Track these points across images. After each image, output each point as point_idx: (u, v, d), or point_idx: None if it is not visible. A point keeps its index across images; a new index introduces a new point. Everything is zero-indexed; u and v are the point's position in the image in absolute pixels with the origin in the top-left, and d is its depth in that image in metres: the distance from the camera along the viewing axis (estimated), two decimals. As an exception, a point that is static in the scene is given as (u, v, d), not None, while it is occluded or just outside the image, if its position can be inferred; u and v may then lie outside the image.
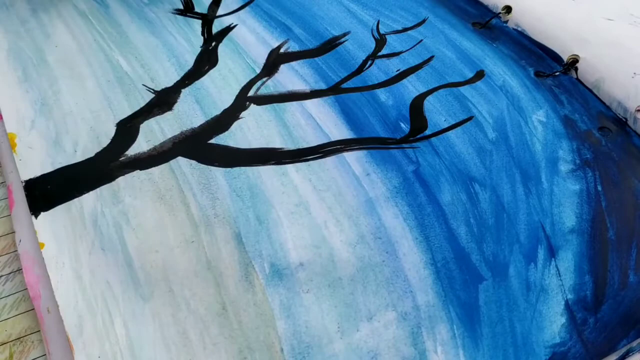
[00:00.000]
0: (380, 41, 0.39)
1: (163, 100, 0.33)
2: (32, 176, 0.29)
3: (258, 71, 0.36)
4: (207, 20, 0.40)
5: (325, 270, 0.26)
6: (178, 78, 0.35)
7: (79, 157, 0.30)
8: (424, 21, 0.41)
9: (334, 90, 0.35)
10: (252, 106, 0.33)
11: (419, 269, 0.27)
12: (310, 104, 0.34)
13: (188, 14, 0.40)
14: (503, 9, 0.41)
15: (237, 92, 0.34)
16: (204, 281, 0.26)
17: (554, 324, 0.26)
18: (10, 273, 0.27)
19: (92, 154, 0.30)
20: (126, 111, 0.33)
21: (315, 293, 0.26)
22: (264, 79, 0.35)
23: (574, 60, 0.37)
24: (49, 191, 0.29)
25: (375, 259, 0.27)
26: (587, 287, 0.27)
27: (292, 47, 0.38)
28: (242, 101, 0.34)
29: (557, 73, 0.37)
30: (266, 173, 0.30)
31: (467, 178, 0.30)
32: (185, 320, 0.24)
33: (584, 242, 0.29)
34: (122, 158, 0.30)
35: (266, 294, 0.25)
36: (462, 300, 0.26)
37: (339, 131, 0.32)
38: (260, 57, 0.37)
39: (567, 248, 0.28)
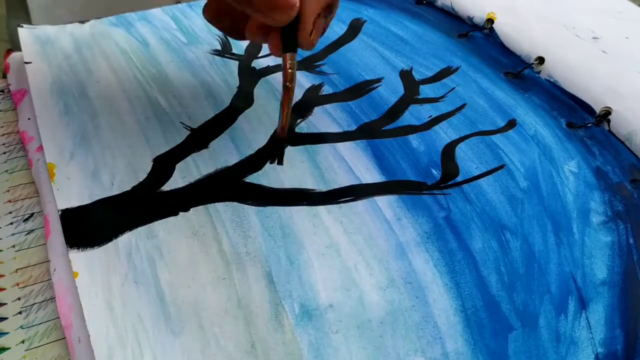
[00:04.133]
0: (413, 88, 0.39)
1: (199, 138, 0.34)
2: (69, 206, 0.30)
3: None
4: (243, 61, 0.41)
5: (354, 312, 0.26)
6: (214, 117, 0.36)
7: (115, 190, 0.31)
8: (457, 69, 0.41)
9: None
10: (286, 147, 0.34)
11: (448, 315, 0.27)
12: (343, 146, 0.34)
13: (226, 55, 0.41)
14: (536, 59, 0.41)
15: (271, 132, 0.35)
16: (234, 319, 0.26)
17: (584, 377, 0.26)
18: (43, 301, 0.28)
19: (128, 188, 0.31)
20: (163, 147, 0.33)
21: (344, 334, 0.26)
22: (298, 120, 0.36)
23: (607, 112, 0.37)
24: (85, 222, 0.29)
25: (405, 303, 0.27)
26: (617, 341, 0.27)
27: (326, 90, 0.39)
28: (276, 141, 0.34)
29: (589, 124, 0.37)
30: (298, 213, 0.30)
31: (498, 226, 0.30)
32: (214, 356, 0.24)
33: (615, 295, 0.28)
34: (158, 193, 0.31)
35: (295, 333, 0.25)
36: (492, 349, 0.26)
37: (370, 175, 0.33)
38: (295, 99, 0.38)
39: (598, 300, 0.28)
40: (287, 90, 0.31)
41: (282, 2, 0.28)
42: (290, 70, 0.31)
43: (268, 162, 0.33)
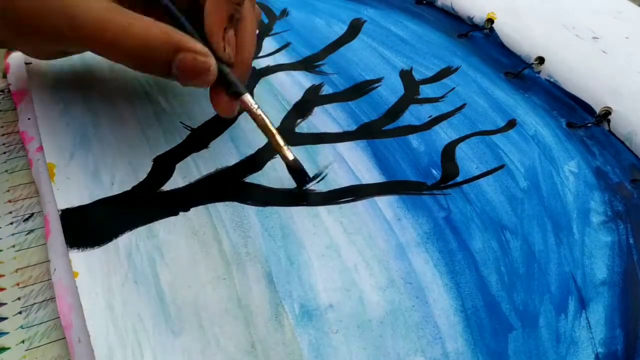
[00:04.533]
0: (413, 88, 0.39)
1: (199, 138, 0.34)
2: (69, 206, 0.30)
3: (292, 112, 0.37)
4: (244, 61, 0.41)
5: (354, 312, 0.26)
6: (214, 117, 0.36)
7: (115, 190, 0.31)
8: (457, 69, 0.41)
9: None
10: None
11: (448, 315, 0.27)
12: (343, 146, 0.34)
13: (226, 55, 0.41)
14: (536, 59, 0.41)
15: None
16: (234, 319, 0.26)
17: (584, 377, 0.26)
18: (43, 301, 0.28)
19: (128, 188, 0.31)
20: (163, 147, 0.33)
21: (344, 334, 0.26)
22: (298, 120, 0.36)
23: (607, 112, 0.37)
24: (85, 222, 0.29)
25: (405, 303, 0.27)
26: (617, 341, 0.27)
27: (326, 90, 0.39)
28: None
29: (589, 124, 0.37)
30: (298, 214, 0.30)
31: (498, 226, 0.30)
32: (214, 357, 0.24)
33: (615, 295, 0.28)
34: (158, 192, 0.31)
35: (295, 334, 0.25)
36: (492, 349, 0.26)
37: (370, 175, 0.33)
38: (295, 99, 0.38)
39: (598, 300, 0.28)
40: (264, 127, 0.31)
41: (199, 69, 0.29)
42: (257, 111, 0.31)
43: (296, 189, 0.32)
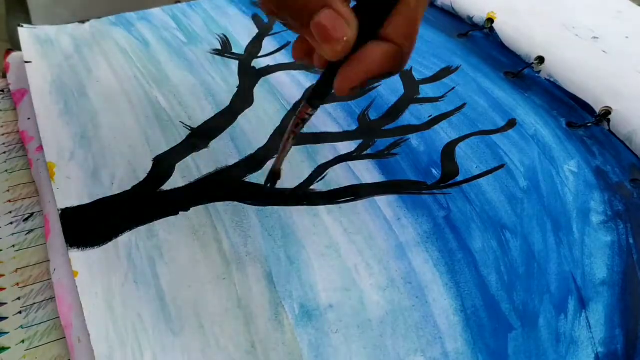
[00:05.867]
0: (413, 87, 0.39)
1: (199, 138, 0.34)
2: (69, 206, 0.30)
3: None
4: (243, 61, 0.41)
5: (354, 312, 0.26)
6: (214, 117, 0.36)
7: (115, 190, 0.31)
8: (456, 69, 0.41)
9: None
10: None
11: (448, 315, 0.27)
12: (342, 146, 0.34)
13: (226, 55, 0.41)
14: (536, 59, 0.41)
15: (271, 132, 0.35)
16: (235, 319, 0.26)
17: (584, 377, 0.26)
18: (42, 301, 0.28)
19: (128, 188, 0.31)
20: (163, 147, 0.33)
21: (344, 333, 0.26)
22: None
23: (607, 112, 0.37)
24: (85, 222, 0.29)
25: (404, 303, 0.27)
26: (617, 340, 0.27)
27: (326, 90, 0.39)
28: (276, 141, 0.34)
29: (589, 124, 0.37)
30: (298, 213, 0.30)
31: (498, 225, 0.30)
32: (214, 356, 0.24)
33: (615, 295, 0.28)
34: (158, 192, 0.31)
35: (295, 333, 0.25)
36: (491, 348, 0.26)
37: (370, 174, 0.33)
38: (294, 99, 0.38)
39: (598, 300, 0.28)
40: (293, 134, 0.27)
41: (332, 34, 0.23)
42: (306, 117, 0.26)
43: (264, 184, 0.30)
